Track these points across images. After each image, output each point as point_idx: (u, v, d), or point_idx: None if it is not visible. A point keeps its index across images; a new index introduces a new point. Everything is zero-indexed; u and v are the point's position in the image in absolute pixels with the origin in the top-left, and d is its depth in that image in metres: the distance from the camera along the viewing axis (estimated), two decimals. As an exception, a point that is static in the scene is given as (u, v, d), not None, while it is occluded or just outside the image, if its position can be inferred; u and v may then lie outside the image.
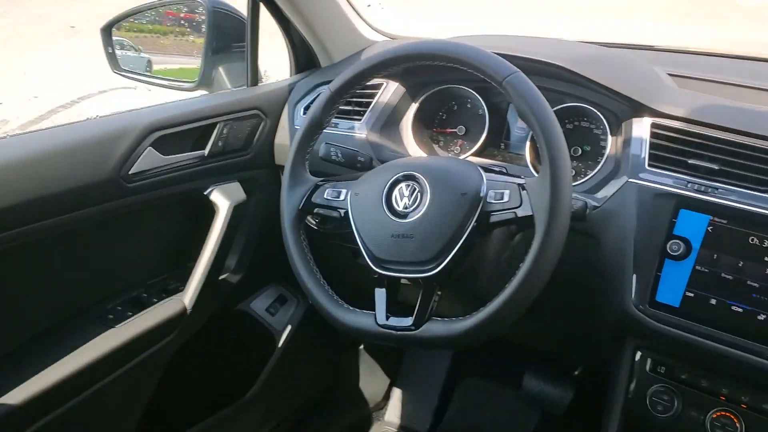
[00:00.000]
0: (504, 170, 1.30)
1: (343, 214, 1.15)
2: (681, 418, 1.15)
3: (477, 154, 1.42)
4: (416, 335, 1.03)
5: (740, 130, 1.14)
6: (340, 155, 1.28)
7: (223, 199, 1.49)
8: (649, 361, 1.19)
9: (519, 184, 1.03)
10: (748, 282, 1.06)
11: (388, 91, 1.48)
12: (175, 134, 1.39)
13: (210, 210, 1.50)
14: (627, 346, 1.21)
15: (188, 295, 1.47)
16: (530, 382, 1.99)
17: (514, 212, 1.01)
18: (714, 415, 1.12)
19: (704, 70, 1.40)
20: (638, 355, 1.20)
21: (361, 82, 1.17)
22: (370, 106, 1.48)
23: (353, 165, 1.28)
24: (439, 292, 1.05)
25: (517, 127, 1.45)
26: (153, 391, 1.51)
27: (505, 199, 1.02)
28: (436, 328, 1.03)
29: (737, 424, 1.10)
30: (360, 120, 1.47)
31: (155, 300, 1.44)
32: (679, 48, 1.61)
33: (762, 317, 1.05)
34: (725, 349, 1.08)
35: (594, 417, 1.94)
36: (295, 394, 1.94)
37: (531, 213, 0.99)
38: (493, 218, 1.03)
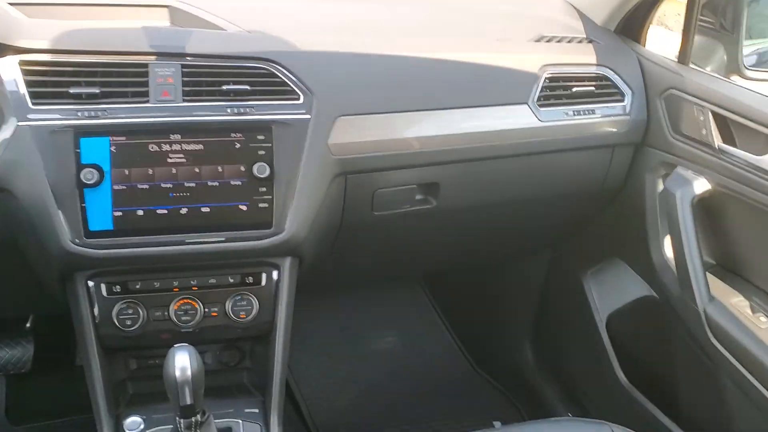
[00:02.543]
0: None
1: None
2: (149, 322, 1.25)
3: None
4: None
5: (105, 50, 1.20)
6: None
7: None
8: (103, 286, 1.23)
9: None
10: (162, 185, 1.18)
11: None
12: None
13: None
14: (78, 281, 1.22)
15: None
16: None
17: None
18: (174, 306, 1.26)
19: None
20: (91, 284, 1.23)
21: None
22: None
23: None
24: None
25: None
26: None
27: None
28: None
29: (195, 305, 1.27)
30: None
31: None
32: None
33: (184, 211, 1.20)
34: (163, 248, 1.20)
35: (65, 356, 1.94)
36: None
37: None
38: None
